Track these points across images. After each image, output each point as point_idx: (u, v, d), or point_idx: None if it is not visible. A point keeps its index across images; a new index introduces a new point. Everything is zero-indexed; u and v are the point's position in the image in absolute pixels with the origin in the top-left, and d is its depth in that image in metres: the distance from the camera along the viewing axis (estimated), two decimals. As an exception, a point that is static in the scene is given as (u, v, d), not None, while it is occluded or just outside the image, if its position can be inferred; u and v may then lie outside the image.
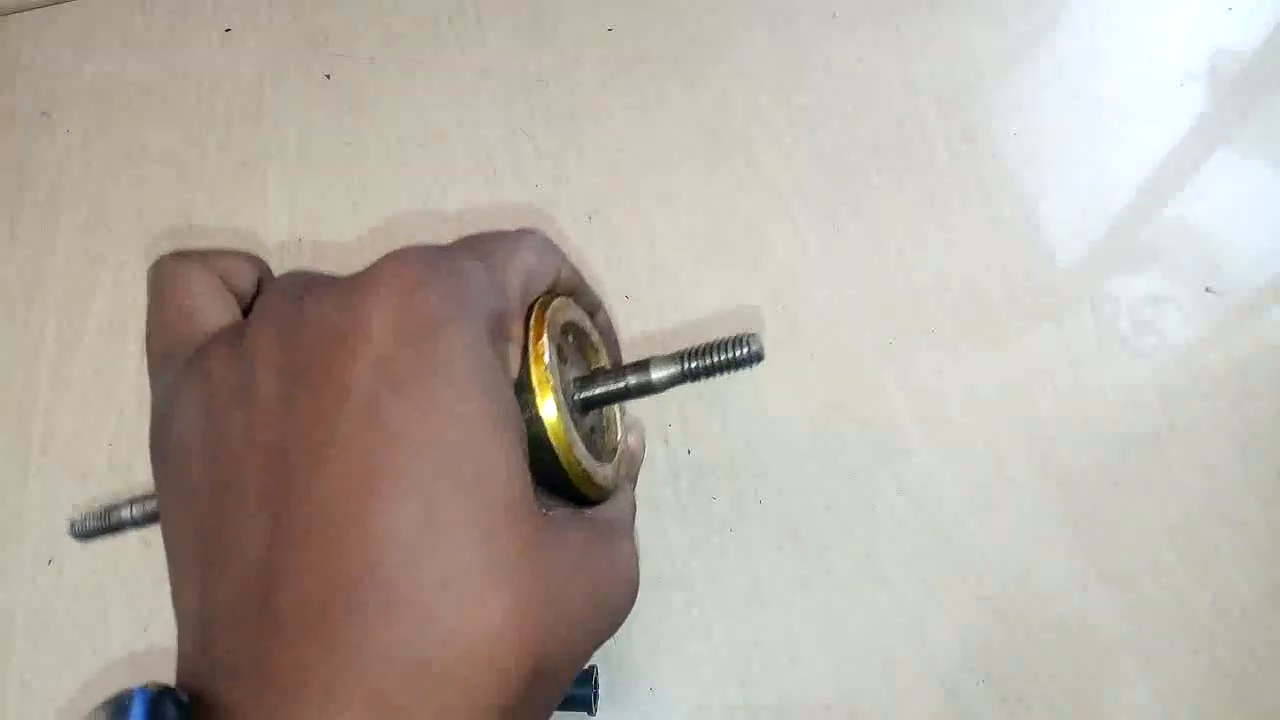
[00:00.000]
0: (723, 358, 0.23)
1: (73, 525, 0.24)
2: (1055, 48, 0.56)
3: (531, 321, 0.21)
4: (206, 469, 0.17)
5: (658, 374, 0.23)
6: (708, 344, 0.23)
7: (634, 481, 0.25)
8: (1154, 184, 0.51)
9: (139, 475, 0.47)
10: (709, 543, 0.44)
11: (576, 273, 0.24)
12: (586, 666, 0.36)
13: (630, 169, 0.54)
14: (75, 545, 0.46)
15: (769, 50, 0.57)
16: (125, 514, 0.23)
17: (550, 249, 0.22)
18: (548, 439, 0.20)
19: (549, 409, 0.20)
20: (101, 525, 0.24)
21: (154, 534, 0.48)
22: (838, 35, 0.57)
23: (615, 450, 0.25)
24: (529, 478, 0.17)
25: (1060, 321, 0.47)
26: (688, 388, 0.47)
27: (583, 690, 0.38)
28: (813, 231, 0.51)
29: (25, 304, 0.53)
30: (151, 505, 0.23)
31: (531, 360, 0.20)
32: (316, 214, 0.54)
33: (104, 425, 0.49)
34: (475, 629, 0.15)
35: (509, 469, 0.17)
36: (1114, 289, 0.48)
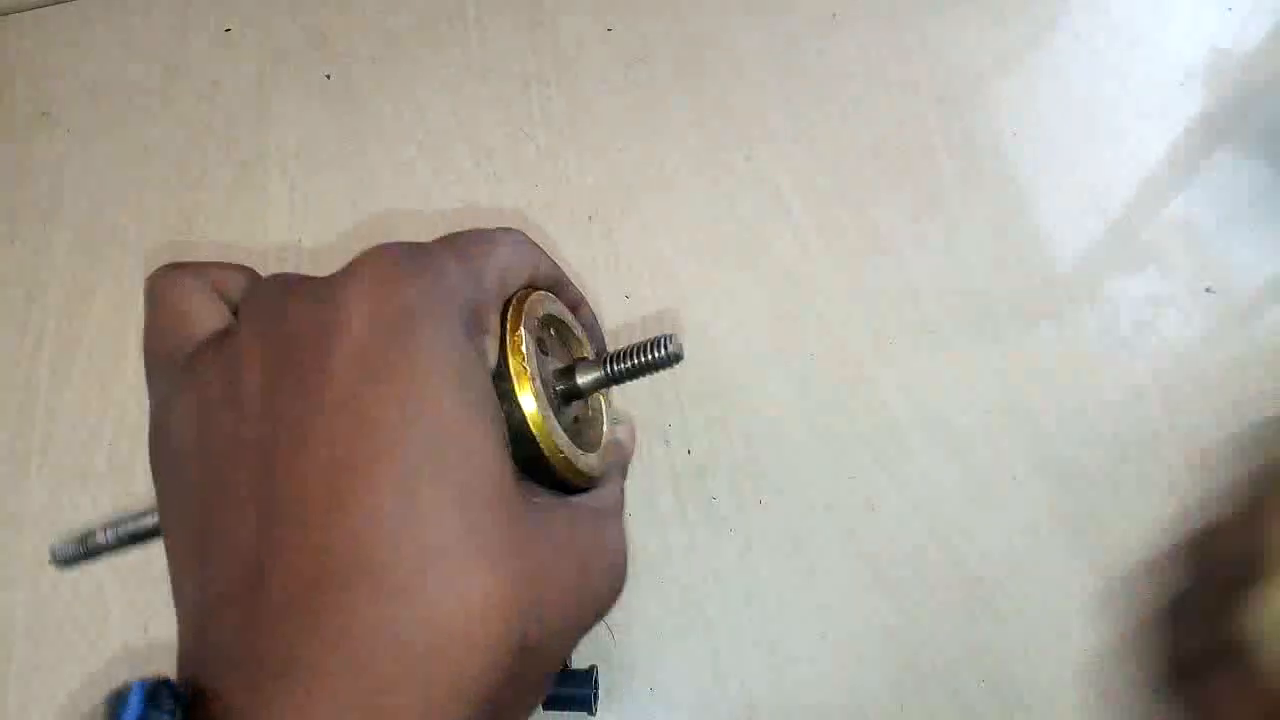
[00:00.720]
0: (643, 359, 0.24)
1: (53, 554, 0.24)
2: (1055, 48, 0.56)
3: (509, 314, 0.21)
4: (199, 469, 0.18)
5: (583, 378, 0.24)
6: (630, 346, 0.24)
7: (624, 474, 0.26)
8: (1154, 184, 0.51)
9: (139, 475, 0.47)
10: (709, 543, 0.44)
11: (556, 268, 0.24)
12: (587, 667, 0.36)
13: (630, 169, 0.54)
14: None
15: (769, 50, 0.57)
16: (101, 538, 0.24)
17: (527, 245, 0.23)
18: (528, 427, 0.20)
19: (527, 398, 0.20)
20: (79, 552, 0.24)
21: (154, 534, 0.48)
22: (838, 35, 0.57)
23: (600, 439, 0.25)
24: (510, 462, 0.18)
25: (1060, 321, 0.47)
26: (692, 386, 0.47)
27: (583, 690, 0.38)
28: (812, 231, 0.51)
29: (25, 304, 0.53)
30: (127, 528, 0.24)
31: (509, 351, 0.20)
32: (316, 214, 0.54)
33: (104, 425, 0.49)
34: (458, 607, 0.16)
35: (488, 452, 0.17)
36: (1114, 289, 0.48)
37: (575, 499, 0.21)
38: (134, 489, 0.47)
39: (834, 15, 0.57)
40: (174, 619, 0.45)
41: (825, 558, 0.43)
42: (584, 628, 0.19)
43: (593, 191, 0.53)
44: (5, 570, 0.46)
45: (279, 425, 0.17)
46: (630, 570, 0.22)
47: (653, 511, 0.45)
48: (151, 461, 0.20)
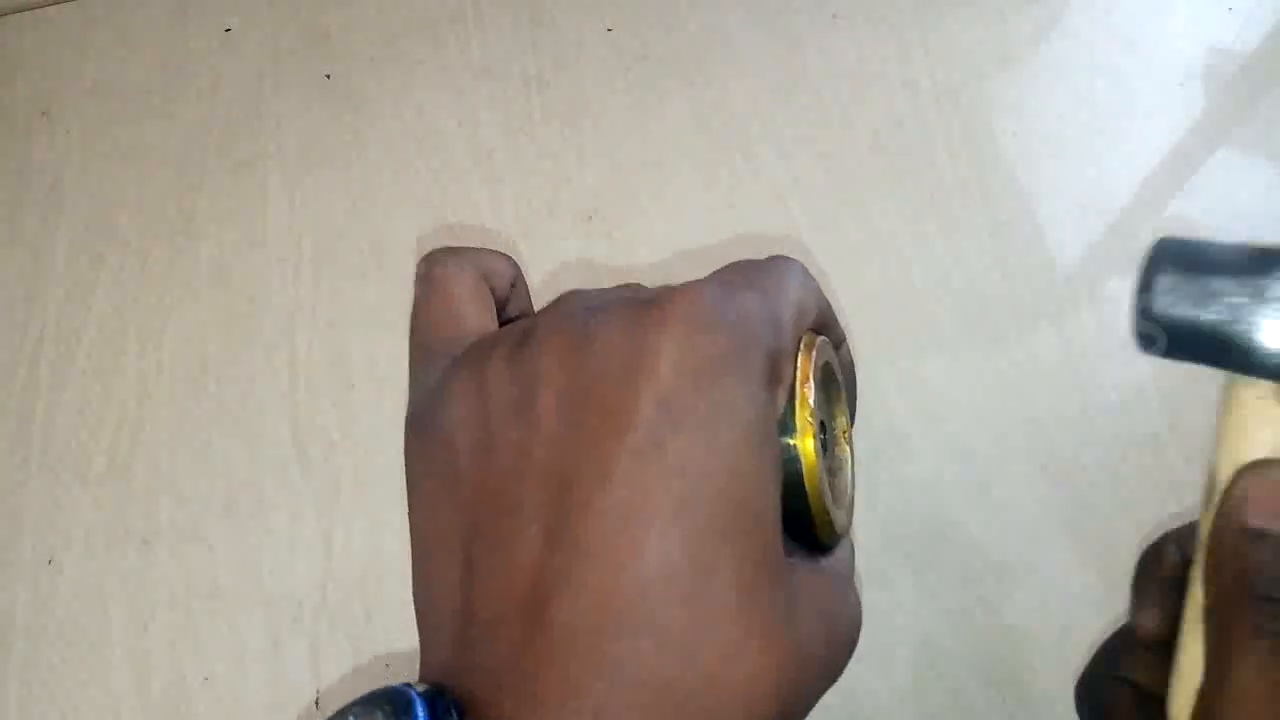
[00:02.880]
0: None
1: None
2: (1055, 48, 0.56)
3: (799, 362, 0.21)
4: (477, 473, 0.18)
5: (840, 437, 0.24)
6: None
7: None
8: (1154, 183, 0.51)
9: (138, 474, 0.47)
10: (709, 543, 0.44)
11: (826, 301, 0.23)
12: None
13: (630, 169, 0.54)
14: (75, 546, 0.46)
15: (769, 50, 0.57)
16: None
17: (811, 282, 0.22)
18: (802, 483, 0.20)
19: (809, 454, 0.20)
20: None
21: (153, 536, 0.48)
22: (837, 35, 0.57)
23: (846, 495, 0.24)
24: (780, 523, 0.18)
25: (1060, 321, 0.47)
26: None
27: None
28: (812, 231, 0.51)
29: (25, 304, 0.53)
30: None
31: (798, 403, 0.20)
32: (316, 213, 0.54)
33: (104, 425, 0.49)
34: (735, 674, 0.16)
35: (771, 518, 0.17)
36: (1114, 289, 0.48)
37: (824, 562, 0.21)
38: (133, 488, 0.47)
39: (834, 16, 0.57)
40: (172, 621, 0.45)
41: (825, 558, 0.43)
42: (821, 694, 0.19)
43: (593, 191, 0.53)
44: (5, 569, 0.46)
45: (579, 455, 0.17)
46: None
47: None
48: (410, 447, 0.20)
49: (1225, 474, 0.22)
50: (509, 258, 0.23)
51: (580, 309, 0.19)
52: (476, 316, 0.21)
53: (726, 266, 0.21)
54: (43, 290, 0.53)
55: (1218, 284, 0.23)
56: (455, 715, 0.15)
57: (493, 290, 0.22)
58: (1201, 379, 0.49)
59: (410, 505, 0.19)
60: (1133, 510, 0.43)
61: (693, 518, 0.16)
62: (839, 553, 0.22)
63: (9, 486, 0.48)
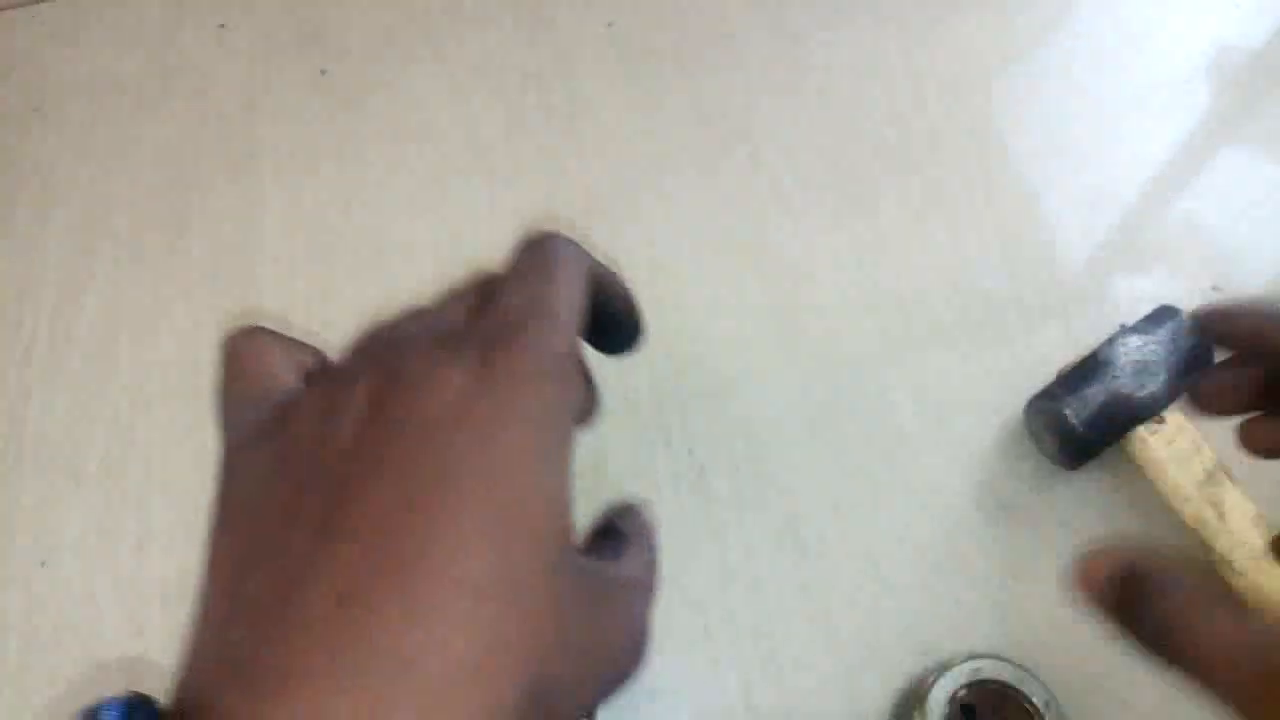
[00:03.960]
0: None
1: None
2: (1061, 44, 0.55)
3: None
4: (273, 491, 0.18)
5: None
6: None
7: (654, 550, 0.25)
8: (1160, 182, 0.51)
9: (131, 477, 0.47)
10: (709, 543, 0.44)
11: (592, 258, 0.24)
12: None
13: (630, 166, 0.53)
14: (68, 548, 0.46)
15: (771, 45, 0.56)
16: None
17: (571, 249, 0.23)
18: None
19: None
20: None
21: (147, 537, 0.47)
22: (841, 30, 0.56)
23: None
24: (570, 518, 0.18)
25: (1067, 320, 0.47)
26: (694, 387, 0.47)
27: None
28: (815, 228, 0.50)
29: (17, 302, 0.52)
30: None
31: None
32: (310, 211, 0.54)
33: (96, 426, 0.48)
34: (475, 638, 0.16)
35: (549, 505, 0.18)
36: (1121, 288, 0.48)
37: (615, 569, 0.22)
38: (127, 489, 0.47)
39: (837, 10, 0.57)
40: (165, 624, 0.44)
41: (825, 558, 0.43)
42: (598, 694, 0.20)
43: (593, 190, 0.53)
44: (-3, 572, 0.46)
45: (363, 459, 0.18)
46: None
47: (653, 514, 0.44)
48: (215, 503, 0.20)
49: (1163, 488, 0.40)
50: (318, 349, 0.23)
51: (384, 346, 0.20)
52: (288, 381, 0.21)
53: (508, 280, 0.22)
54: (35, 289, 0.53)
55: (1088, 392, 0.41)
56: (149, 718, 0.16)
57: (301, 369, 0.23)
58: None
59: (210, 532, 0.19)
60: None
61: (461, 499, 0.17)
62: (637, 569, 0.23)
63: (1, 488, 0.48)
